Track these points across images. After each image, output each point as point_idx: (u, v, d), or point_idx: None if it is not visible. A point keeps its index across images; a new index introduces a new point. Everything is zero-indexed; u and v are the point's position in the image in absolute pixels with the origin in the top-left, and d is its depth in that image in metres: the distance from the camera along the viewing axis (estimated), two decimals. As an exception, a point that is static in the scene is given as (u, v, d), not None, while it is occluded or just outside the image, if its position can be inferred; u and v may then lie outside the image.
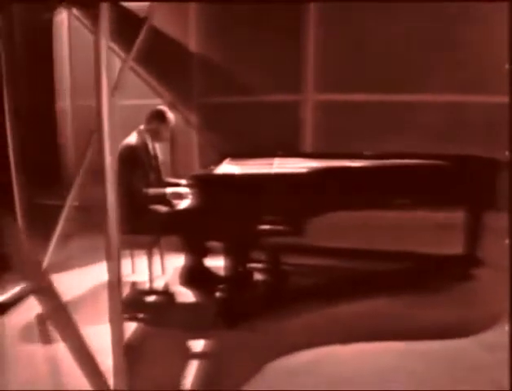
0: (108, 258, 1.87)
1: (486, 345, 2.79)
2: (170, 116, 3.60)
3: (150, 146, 3.61)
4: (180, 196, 3.47)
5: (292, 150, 4.97)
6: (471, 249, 3.75)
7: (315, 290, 3.60)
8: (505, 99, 4.47)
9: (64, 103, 6.39)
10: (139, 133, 3.54)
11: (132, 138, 3.46)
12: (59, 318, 1.81)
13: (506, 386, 2.33)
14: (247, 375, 2.53)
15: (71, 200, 3.83)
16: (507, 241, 3.72)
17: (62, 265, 4.10)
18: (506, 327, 2.94)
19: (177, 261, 4.07)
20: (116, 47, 4.60)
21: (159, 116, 3.57)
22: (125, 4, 4.93)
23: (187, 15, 5.68)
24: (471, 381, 2.44)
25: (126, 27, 4.04)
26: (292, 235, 3.05)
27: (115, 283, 1.89)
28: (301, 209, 3.10)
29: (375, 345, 2.86)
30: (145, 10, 4.48)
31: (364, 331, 3.03)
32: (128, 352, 2.57)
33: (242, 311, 3.19)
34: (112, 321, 1.95)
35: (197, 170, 3.38)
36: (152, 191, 3.48)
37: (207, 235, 3.36)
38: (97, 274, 3.85)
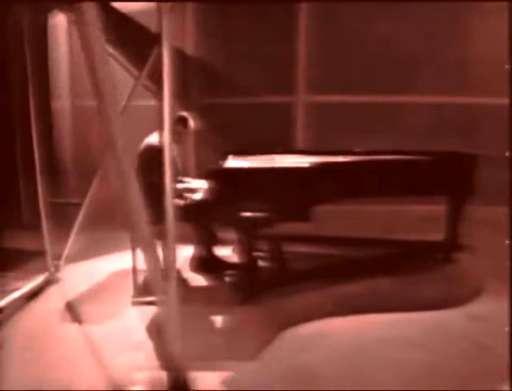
0: (164, 244, 2.21)
1: (468, 315, 3.26)
2: (192, 122, 3.93)
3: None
4: (190, 191, 3.80)
5: (285, 148, 5.28)
6: (452, 236, 4.18)
7: (315, 273, 3.99)
8: (486, 100, 4.99)
9: (62, 103, 6.58)
10: (160, 134, 3.83)
11: (153, 139, 3.76)
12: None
13: (487, 348, 2.79)
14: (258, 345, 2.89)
15: (90, 197, 4.09)
16: (484, 228, 4.22)
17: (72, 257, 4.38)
18: (485, 301, 3.44)
19: (185, 252, 4.40)
20: (126, 62, 4.80)
21: (182, 122, 3.89)
22: (137, 19, 5.16)
23: (184, 16, 5.92)
24: (458, 344, 2.88)
25: (137, 41, 4.25)
26: (298, 221, 3.44)
27: (172, 264, 2.22)
28: (306, 199, 3.50)
29: (373, 317, 3.27)
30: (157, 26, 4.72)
31: (361, 306, 3.43)
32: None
33: (252, 291, 3.57)
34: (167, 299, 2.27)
35: (212, 165, 3.72)
36: None
37: (221, 224, 3.73)
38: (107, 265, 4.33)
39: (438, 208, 4.19)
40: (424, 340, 2.93)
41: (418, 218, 5.07)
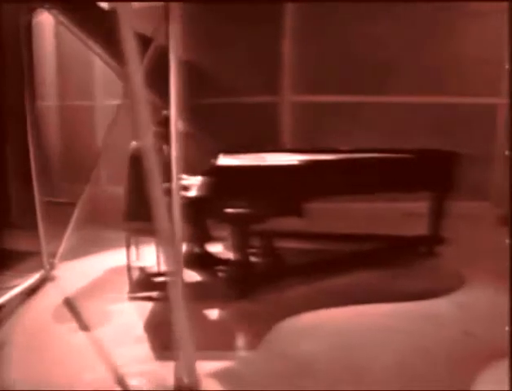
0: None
1: (455, 304, 3.44)
2: (179, 122, 3.99)
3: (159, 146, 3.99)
4: (184, 189, 3.88)
5: (273, 146, 5.36)
6: (435, 230, 4.35)
7: (306, 268, 4.12)
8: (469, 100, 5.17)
9: (48, 102, 6.57)
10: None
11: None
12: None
13: (475, 335, 2.96)
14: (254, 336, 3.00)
15: (85, 196, 4.14)
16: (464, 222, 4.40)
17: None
18: (467, 290, 3.63)
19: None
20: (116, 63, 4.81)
21: (168, 122, 3.95)
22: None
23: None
24: (447, 332, 3.04)
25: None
26: (293, 216, 3.58)
27: (179, 260, 2.31)
28: (300, 195, 3.65)
29: (362, 308, 3.41)
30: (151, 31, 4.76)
31: (352, 298, 3.57)
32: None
33: (246, 286, 3.67)
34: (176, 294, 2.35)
35: (202, 164, 3.81)
36: None
37: (214, 221, 3.84)
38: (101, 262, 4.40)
39: (418, 205, 4.37)
40: (415, 330, 3.07)
41: (403, 214, 5.24)
